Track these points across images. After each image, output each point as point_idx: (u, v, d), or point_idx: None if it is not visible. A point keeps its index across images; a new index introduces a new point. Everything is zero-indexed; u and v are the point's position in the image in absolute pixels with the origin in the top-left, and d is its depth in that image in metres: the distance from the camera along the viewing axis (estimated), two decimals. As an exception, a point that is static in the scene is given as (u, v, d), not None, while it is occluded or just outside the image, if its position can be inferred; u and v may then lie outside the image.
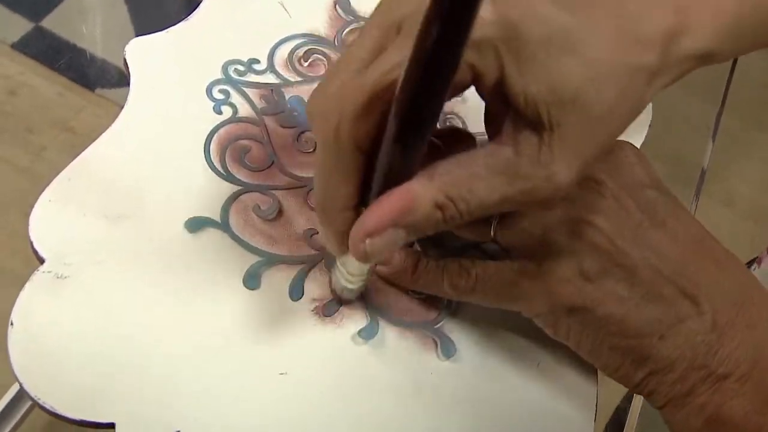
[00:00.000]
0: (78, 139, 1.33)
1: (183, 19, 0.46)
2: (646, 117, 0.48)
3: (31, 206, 0.38)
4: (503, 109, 0.29)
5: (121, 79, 1.40)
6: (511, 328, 0.39)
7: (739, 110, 0.61)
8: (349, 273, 0.35)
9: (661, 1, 0.30)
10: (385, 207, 0.29)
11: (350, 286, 0.37)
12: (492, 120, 0.32)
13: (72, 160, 0.39)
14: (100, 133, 0.40)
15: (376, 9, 0.31)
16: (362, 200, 0.31)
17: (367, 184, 0.30)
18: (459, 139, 0.35)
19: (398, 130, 0.26)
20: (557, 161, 0.29)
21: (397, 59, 0.27)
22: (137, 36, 0.44)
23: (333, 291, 0.38)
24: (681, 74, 0.31)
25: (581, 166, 0.29)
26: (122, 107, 0.41)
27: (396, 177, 0.29)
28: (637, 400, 0.45)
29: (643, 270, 0.34)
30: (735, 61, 0.61)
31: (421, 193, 0.29)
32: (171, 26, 0.45)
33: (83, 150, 0.40)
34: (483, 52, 0.28)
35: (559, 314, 0.36)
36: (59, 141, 1.33)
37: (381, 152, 0.28)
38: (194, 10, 0.46)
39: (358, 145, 0.29)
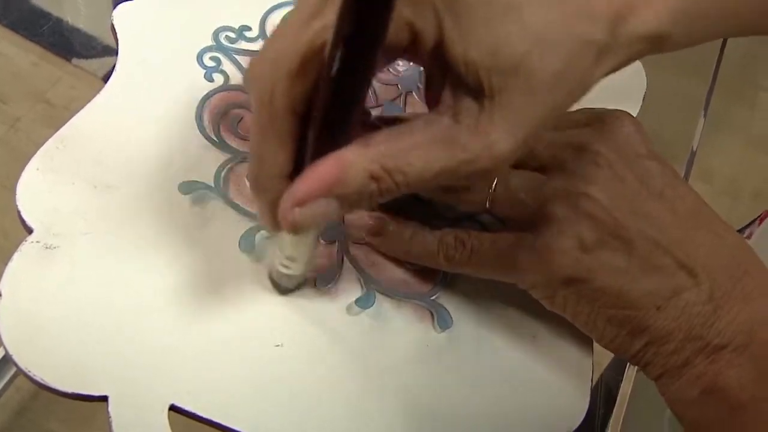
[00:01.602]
0: (54, 111, 1.31)
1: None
2: (639, 89, 0.48)
3: (6, 177, 0.37)
4: (441, 76, 0.29)
5: (99, 49, 1.38)
6: (506, 300, 0.39)
7: (717, 86, 0.61)
8: (286, 257, 0.34)
9: None
10: (316, 175, 0.28)
11: (287, 271, 0.35)
12: (430, 88, 0.31)
13: (48, 132, 0.38)
14: (77, 105, 0.39)
15: None
16: (296, 170, 0.30)
17: (301, 153, 0.29)
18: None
19: (331, 91, 0.26)
20: (497, 130, 0.28)
21: (328, 20, 0.26)
22: (115, 5, 0.42)
23: (270, 279, 0.37)
24: (631, 57, 0.30)
25: (522, 137, 0.28)
26: (101, 78, 0.40)
27: (329, 143, 0.28)
28: (630, 371, 0.45)
29: (640, 241, 0.34)
30: (725, 39, 0.61)
31: (354, 162, 0.28)
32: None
33: (60, 122, 0.39)
34: (421, 8, 0.27)
35: (555, 285, 0.36)
36: (34, 112, 1.31)
37: (313, 118, 0.27)
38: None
39: (293, 108, 0.28)
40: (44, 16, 1.41)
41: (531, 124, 0.28)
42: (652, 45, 0.30)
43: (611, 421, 0.44)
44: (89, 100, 0.40)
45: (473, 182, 0.33)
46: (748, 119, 1.61)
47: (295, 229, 0.29)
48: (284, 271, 0.35)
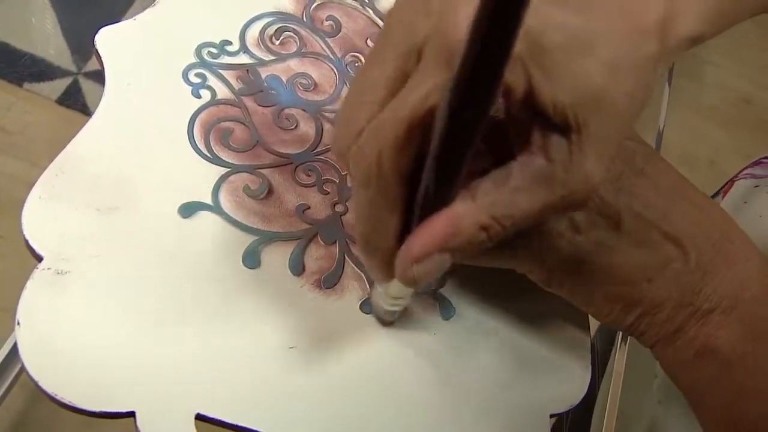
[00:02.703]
0: (10, 138, 1.29)
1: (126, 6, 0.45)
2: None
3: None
4: (528, 122, 0.30)
5: (50, 72, 1.37)
6: (505, 284, 0.41)
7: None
8: (392, 297, 0.36)
9: None
10: (431, 232, 0.29)
11: (393, 308, 0.37)
12: (517, 132, 0.32)
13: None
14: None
15: (383, 35, 0.31)
16: (405, 225, 0.31)
17: (408, 211, 0.30)
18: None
19: (441, 156, 0.27)
20: (589, 160, 0.29)
21: (431, 86, 0.27)
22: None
23: (374, 314, 0.39)
24: (675, 57, 0.32)
25: (609, 160, 0.30)
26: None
27: (439, 201, 0.29)
28: (621, 350, 0.47)
29: (627, 218, 0.36)
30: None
31: (465, 216, 0.29)
32: (97, 18, 0.45)
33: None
34: (512, 67, 0.28)
35: (551, 267, 0.37)
36: (-9, 140, 1.30)
37: (423, 179, 0.28)
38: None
39: (402, 175, 0.29)
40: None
41: (614, 146, 0.30)
42: (692, 43, 0.32)
43: (608, 403, 0.46)
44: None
45: (569, 212, 0.34)
46: (697, 92, 1.66)
47: (414, 284, 0.31)
48: (390, 308, 0.37)
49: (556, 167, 0.29)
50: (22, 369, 0.34)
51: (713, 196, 0.59)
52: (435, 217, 0.29)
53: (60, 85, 1.35)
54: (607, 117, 0.29)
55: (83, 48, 1.37)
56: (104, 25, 0.44)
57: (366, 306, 0.39)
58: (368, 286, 0.39)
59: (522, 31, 0.27)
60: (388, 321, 0.39)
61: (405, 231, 0.30)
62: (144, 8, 0.46)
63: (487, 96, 0.25)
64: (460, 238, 0.29)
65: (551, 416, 0.38)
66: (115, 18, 0.45)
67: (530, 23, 0.28)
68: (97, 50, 0.43)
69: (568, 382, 0.39)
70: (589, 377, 0.40)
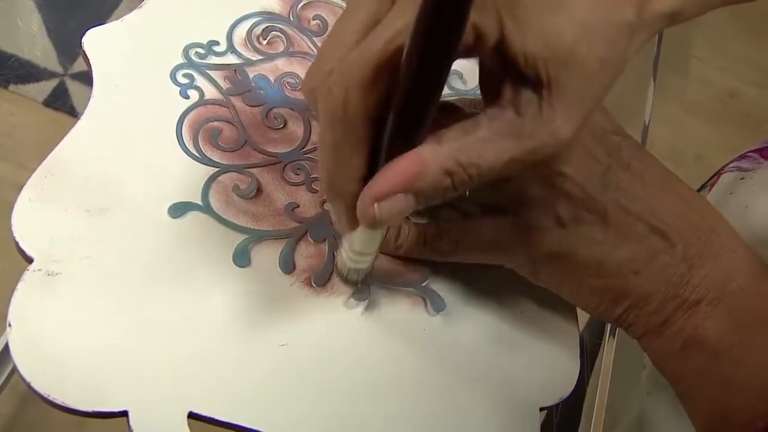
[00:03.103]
0: (-1, 139, 1.29)
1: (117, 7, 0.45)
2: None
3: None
4: (499, 73, 0.30)
5: (36, 73, 1.36)
6: (493, 278, 0.41)
7: (651, 52, 0.64)
8: (356, 252, 0.36)
9: None
10: (395, 171, 0.30)
11: (356, 266, 0.37)
12: (488, 85, 0.32)
13: None
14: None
15: None
16: (370, 171, 0.31)
17: (374, 155, 0.30)
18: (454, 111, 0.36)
19: (409, 96, 0.27)
20: (558, 116, 0.29)
21: (399, 26, 0.28)
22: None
23: (339, 274, 0.39)
24: (654, 32, 0.32)
25: (580, 120, 0.30)
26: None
27: (405, 143, 0.29)
28: (609, 342, 0.47)
29: (614, 212, 0.36)
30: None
31: (430, 159, 0.29)
32: (83, 19, 0.45)
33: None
34: (484, 10, 0.28)
35: (539, 262, 0.38)
36: (-22, 143, 1.30)
37: (390, 120, 0.29)
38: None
39: (368, 115, 0.29)
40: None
41: (586, 106, 0.30)
42: (670, 21, 0.32)
43: (597, 395, 0.46)
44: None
45: (536, 167, 0.34)
46: (683, 87, 1.67)
47: (374, 224, 0.31)
48: (354, 265, 0.37)
49: (525, 120, 0.30)
50: (13, 371, 0.34)
51: (700, 189, 0.59)
52: (400, 157, 0.29)
53: (46, 86, 1.35)
54: (579, 76, 0.29)
55: (69, 49, 1.36)
56: (91, 27, 0.44)
57: (351, 300, 0.39)
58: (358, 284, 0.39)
59: None
60: (353, 281, 0.39)
61: (370, 176, 0.30)
62: (130, 9, 0.46)
63: (451, 34, 0.25)
64: (424, 181, 0.30)
65: (541, 409, 0.39)
66: (101, 19, 0.45)
67: None
68: (84, 52, 0.43)
69: (558, 376, 0.40)
70: (578, 370, 0.40)
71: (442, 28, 0.25)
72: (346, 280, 0.39)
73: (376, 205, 0.30)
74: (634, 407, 0.51)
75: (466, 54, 0.30)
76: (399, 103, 0.28)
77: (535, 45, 0.29)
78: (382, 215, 0.30)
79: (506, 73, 0.30)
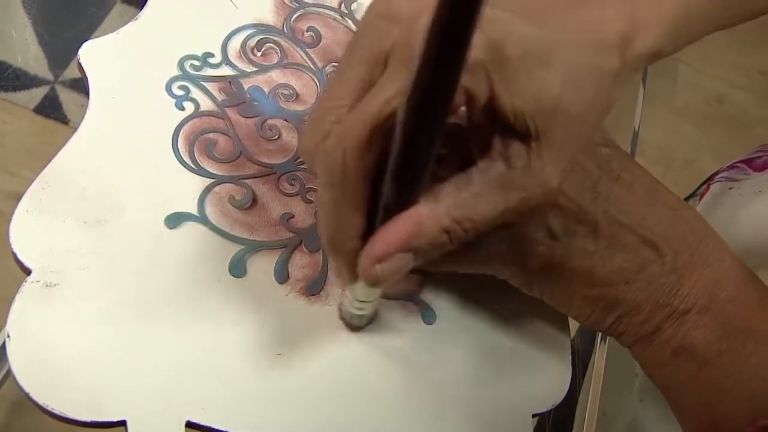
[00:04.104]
0: (-10, 148, 1.29)
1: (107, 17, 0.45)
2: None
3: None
4: (489, 127, 0.31)
5: (26, 81, 1.36)
6: (486, 288, 0.41)
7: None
8: (359, 300, 0.36)
9: (613, 11, 0.32)
10: (394, 232, 0.30)
11: (359, 312, 0.37)
12: (477, 139, 0.33)
13: None
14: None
15: (352, 45, 0.32)
16: (369, 227, 0.32)
17: (372, 211, 0.31)
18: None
19: (404, 157, 0.28)
20: (547, 167, 0.30)
21: (393, 90, 0.29)
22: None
23: (342, 319, 0.40)
24: (637, 71, 0.33)
25: (567, 166, 0.31)
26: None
27: (402, 202, 0.30)
28: (601, 348, 0.48)
29: (604, 223, 0.37)
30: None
31: (427, 218, 0.30)
32: (74, 27, 0.45)
33: None
34: (475, 74, 0.29)
35: (531, 273, 0.38)
36: (-30, 151, 1.29)
37: (387, 180, 0.29)
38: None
39: (365, 176, 0.30)
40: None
41: (572, 153, 0.31)
42: (651, 59, 0.34)
43: (589, 396, 0.47)
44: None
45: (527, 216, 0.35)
46: (672, 91, 1.68)
47: (376, 283, 0.31)
48: (357, 312, 0.37)
49: (516, 172, 0.30)
50: (4, 380, 0.34)
51: (690, 197, 0.60)
52: (398, 217, 0.30)
53: (37, 94, 1.35)
54: (565, 125, 0.30)
55: (61, 57, 1.36)
56: (83, 36, 0.44)
57: (343, 312, 0.39)
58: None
59: (486, 41, 0.29)
60: (356, 326, 0.39)
61: (369, 232, 0.31)
62: (122, 17, 0.46)
63: (444, 99, 0.26)
64: (422, 239, 0.30)
65: (534, 416, 0.39)
66: (92, 28, 0.45)
67: (494, 34, 0.29)
68: (80, 64, 0.43)
69: (550, 382, 0.40)
70: (570, 377, 0.41)
71: (435, 95, 0.25)
72: (350, 326, 0.39)
73: (378, 266, 0.31)
74: (627, 415, 0.52)
75: (456, 112, 0.31)
76: (395, 165, 0.28)
77: (523, 101, 0.29)
78: (383, 274, 0.31)
79: (496, 127, 0.31)
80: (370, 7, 0.32)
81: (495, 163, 0.31)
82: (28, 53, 1.38)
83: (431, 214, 0.30)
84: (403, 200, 0.30)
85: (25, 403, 0.34)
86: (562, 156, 0.31)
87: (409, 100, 0.26)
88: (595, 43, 0.31)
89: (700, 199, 0.57)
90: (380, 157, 0.30)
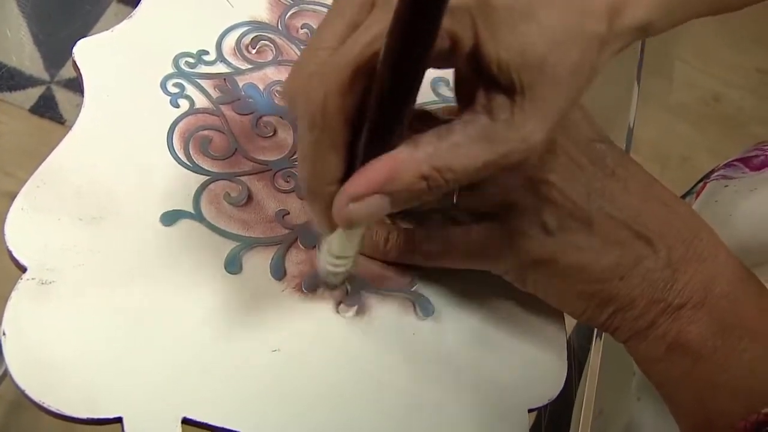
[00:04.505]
0: (-12, 148, 1.29)
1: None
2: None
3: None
4: (474, 80, 0.31)
5: (22, 80, 1.36)
6: (481, 284, 0.41)
7: (634, 57, 0.65)
8: (334, 256, 0.36)
9: None
10: (371, 172, 0.30)
11: (335, 269, 0.37)
12: (463, 92, 0.33)
13: None
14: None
15: None
16: (347, 174, 0.31)
17: (351, 158, 0.31)
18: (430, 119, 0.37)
19: (384, 99, 0.28)
20: (530, 122, 0.30)
21: (376, 31, 0.28)
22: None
23: (318, 278, 0.40)
24: (624, 45, 0.33)
25: (551, 126, 0.31)
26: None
27: (381, 146, 0.30)
28: (597, 344, 0.48)
29: (598, 219, 0.37)
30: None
31: (405, 162, 0.30)
32: (70, 26, 0.45)
33: None
34: (459, 18, 0.29)
35: (525, 268, 0.39)
36: (-32, 152, 1.29)
37: (366, 123, 0.29)
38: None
39: (346, 118, 0.30)
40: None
41: (558, 112, 0.31)
42: (640, 33, 0.33)
43: (585, 393, 0.47)
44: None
45: (506, 173, 0.35)
46: (667, 90, 1.68)
47: (349, 224, 0.31)
48: (332, 269, 0.37)
49: (498, 126, 0.30)
50: (5, 378, 0.34)
51: (686, 195, 0.60)
52: (375, 159, 0.30)
53: (33, 94, 1.35)
54: (550, 84, 0.30)
55: (56, 57, 1.36)
56: (78, 35, 0.44)
57: (342, 306, 0.40)
58: (348, 288, 0.40)
59: None
60: (332, 284, 0.39)
61: (347, 178, 0.31)
62: (117, 16, 0.46)
63: (425, 38, 0.26)
64: (399, 183, 0.30)
65: (530, 411, 0.39)
66: (87, 28, 0.45)
67: None
68: (75, 62, 0.43)
69: (546, 377, 0.40)
70: (566, 371, 0.41)
71: (415, 33, 0.25)
72: (325, 284, 0.39)
73: (352, 205, 0.30)
74: (624, 413, 0.52)
75: (443, 63, 0.31)
76: (375, 106, 0.28)
77: (509, 53, 0.29)
78: (358, 215, 0.31)
79: (480, 80, 0.31)
80: None
81: (478, 115, 0.31)
82: (23, 53, 1.37)
83: (410, 159, 0.30)
84: (383, 145, 0.30)
85: (22, 402, 0.34)
86: (546, 114, 0.31)
87: (390, 38, 0.26)
88: (582, 7, 0.31)
89: (696, 197, 0.57)
90: (362, 100, 0.30)
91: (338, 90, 0.29)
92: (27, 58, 1.37)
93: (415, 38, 0.25)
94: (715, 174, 0.57)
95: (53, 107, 1.34)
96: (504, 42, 0.29)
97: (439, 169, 0.30)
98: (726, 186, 0.55)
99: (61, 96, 1.35)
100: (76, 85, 0.43)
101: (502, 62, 0.29)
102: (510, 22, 0.29)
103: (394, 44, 0.26)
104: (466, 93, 0.32)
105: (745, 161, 0.55)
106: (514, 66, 0.29)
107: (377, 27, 0.29)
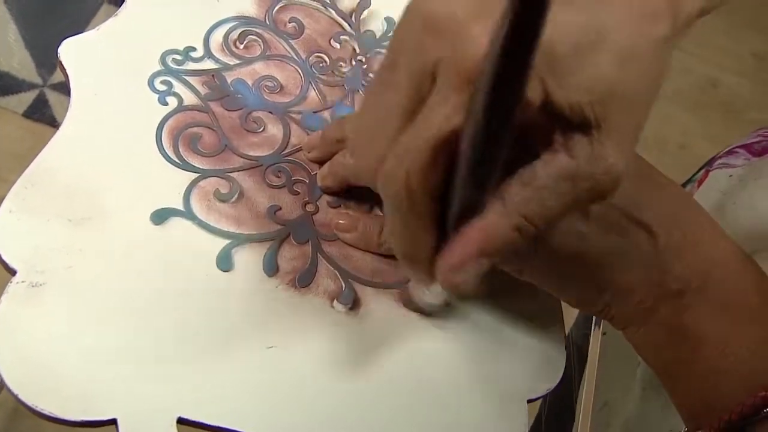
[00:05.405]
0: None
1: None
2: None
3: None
4: (548, 124, 0.30)
5: (14, 85, 1.35)
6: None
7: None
8: (434, 294, 0.37)
9: None
10: (467, 241, 0.30)
11: (436, 301, 0.38)
12: (538, 136, 0.32)
13: None
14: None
15: (390, 59, 0.31)
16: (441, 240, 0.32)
17: (442, 223, 0.31)
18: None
19: (471, 174, 0.28)
20: (610, 152, 0.29)
21: (450, 107, 0.28)
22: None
23: (413, 306, 0.40)
24: (685, 34, 0.32)
25: (631, 148, 0.30)
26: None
27: (471, 213, 0.30)
28: (596, 333, 0.48)
29: (596, 206, 0.37)
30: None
31: (497, 222, 0.30)
32: (61, 29, 0.45)
33: None
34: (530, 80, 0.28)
35: (523, 257, 0.38)
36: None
37: (455, 195, 0.29)
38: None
39: (432, 195, 0.30)
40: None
41: (635, 134, 0.30)
42: (698, 17, 0.32)
43: (585, 385, 0.47)
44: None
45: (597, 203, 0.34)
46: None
47: (458, 292, 0.32)
48: (434, 302, 0.39)
49: (580, 162, 0.29)
50: (1, 386, 0.34)
51: (686, 183, 0.60)
52: (469, 227, 0.30)
53: (26, 98, 1.34)
54: (624, 107, 0.29)
55: (48, 60, 1.36)
56: (67, 36, 0.44)
57: (340, 299, 0.39)
58: (343, 284, 0.40)
59: None
60: (431, 311, 0.40)
61: (441, 239, 0.31)
62: (108, 17, 0.46)
63: (512, 109, 0.25)
64: (494, 242, 0.30)
65: (529, 401, 0.39)
66: (79, 29, 0.45)
67: None
68: (60, 62, 0.43)
69: (544, 367, 0.40)
70: (564, 361, 0.40)
71: (503, 105, 0.25)
72: (422, 312, 0.40)
73: (458, 275, 0.31)
74: (629, 405, 0.52)
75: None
76: (463, 180, 0.28)
77: (578, 93, 0.28)
78: (463, 282, 0.31)
79: (555, 123, 0.30)
80: (406, 22, 0.31)
81: (558, 155, 0.30)
82: (14, 58, 1.37)
83: (500, 217, 0.30)
84: (473, 210, 0.30)
85: (21, 410, 0.34)
86: (625, 138, 0.30)
87: (478, 112, 0.25)
88: (643, 12, 0.30)
89: (698, 186, 0.57)
90: (442, 178, 0.30)
91: (421, 170, 0.29)
92: (18, 62, 1.37)
93: (502, 108, 0.25)
94: (717, 162, 0.57)
95: (47, 111, 1.34)
96: (572, 85, 0.28)
97: (528, 218, 0.30)
98: (730, 175, 0.54)
99: (55, 99, 1.35)
100: (68, 88, 0.42)
101: (574, 104, 0.29)
102: (577, 63, 0.28)
103: (480, 120, 0.26)
104: (542, 135, 0.31)
105: (747, 147, 0.55)
106: (586, 103, 0.29)
107: (451, 102, 0.28)
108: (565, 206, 0.30)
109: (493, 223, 0.30)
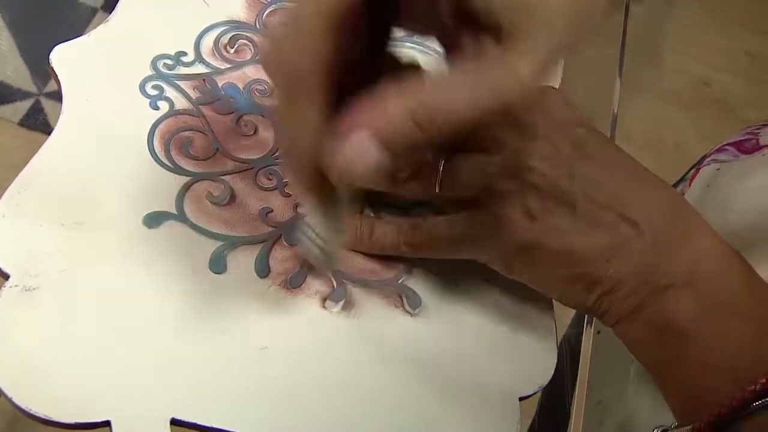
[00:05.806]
0: (-24, 161, 1.28)
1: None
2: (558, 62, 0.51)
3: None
4: (459, 29, 0.30)
5: (10, 94, 1.35)
6: (467, 274, 0.41)
7: (627, 46, 0.64)
8: (323, 239, 0.36)
9: None
10: (355, 110, 0.29)
11: (328, 249, 0.37)
12: (448, 41, 0.32)
13: None
14: None
15: None
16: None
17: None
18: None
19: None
20: (521, 60, 0.29)
21: None
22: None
23: (304, 263, 0.40)
24: None
25: (543, 66, 0.30)
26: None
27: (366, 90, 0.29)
28: (588, 332, 0.48)
29: (581, 202, 0.37)
30: (628, 3, 0.64)
31: (392, 98, 0.29)
32: (55, 37, 0.45)
33: None
34: None
35: (510, 255, 0.38)
36: (-45, 165, 1.29)
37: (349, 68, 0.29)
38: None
39: (323, 72, 0.29)
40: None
41: (549, 52, 0.30)
42: None
43: (578, 382, 0.47)
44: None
45: (502, 117, 0.34)
46: (656, 76, 1.68)
47: (342, 175, 0.30)
48: (317, 251, 0.37)
49: (488, 66, 0.29)
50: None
51: (679, 182, 0.60)
52: (363, 102, 0.29)
53: (21, 107, 1.35)
54: (540, 20, 0.29)
55: (43, 68, 1.36)
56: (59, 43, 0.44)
57: (331, 299, 0.40)
58: (334, 283, 0.40)
59: None
60: (320, 267, 0.39)
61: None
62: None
63: None
64: (390, 127, 0.29)
65: (521, 399, 0.39)
66: (74, 37, 0.45)
67: None
68: (52, 68, 0.43)
69: (536, 365, 0.40)
70: (556, 358, 0.41)
71: None
72: (316, 269, 0.40)
73: (342, 154, 0.29)
74: (623, 403, 0.52)
75: (426, 23, 0.30)
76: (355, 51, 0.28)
77: None
78: (350, 161, 0.29)
79: (467, 28, 0.30)
80: None
81: (467, 61, 0.30)
82: (8, 66, 1.37)
83: (399, 98, 0.29)
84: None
85: (21, 417, 0.34)
86: (538, 54, 0.29)
87: None
88: None
89: (689, 183, 0.57)
90: (336, 53, 0.29)
91: (308, 35, 0.29)
92: (12, 70, 1.37)
93: None
94: (708, 159, 0.57)
95: (42, 119, 1.34)
96: None
97: (429, 110, 0.29)
98: (718, 169, 0.55)
99: (50, 108, 1.35)
100: (61, 94, 0.43)
101: (490, 6, 0.29)
102: None
103: None
104: (452, 41, 0.31)
105: (737, 145, 0.55)
106: (501, 8, 0.29)
107: None
108: (470, 108, 0.29)
109: (388, 98, 0.29)
